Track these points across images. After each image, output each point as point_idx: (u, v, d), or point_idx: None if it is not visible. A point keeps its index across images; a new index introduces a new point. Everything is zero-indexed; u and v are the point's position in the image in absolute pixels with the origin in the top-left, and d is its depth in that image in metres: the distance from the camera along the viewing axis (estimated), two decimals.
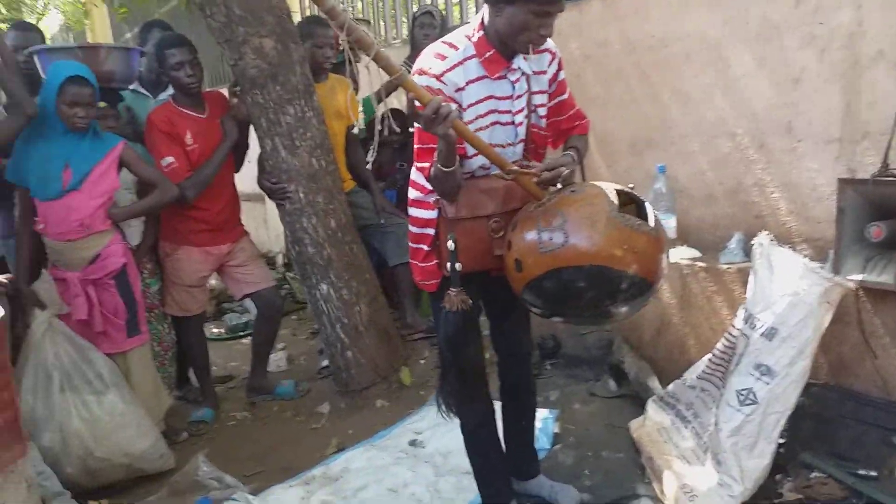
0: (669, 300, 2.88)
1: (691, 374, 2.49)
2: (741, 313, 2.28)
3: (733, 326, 2.33)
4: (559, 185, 1.80)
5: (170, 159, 3.02)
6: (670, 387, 2.57)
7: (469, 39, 1.83)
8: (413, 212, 2.01)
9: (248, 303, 5.15)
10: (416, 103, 1.67)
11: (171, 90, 3.36)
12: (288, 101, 3.18)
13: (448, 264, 1.85)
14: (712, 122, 2.77)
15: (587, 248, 1.65)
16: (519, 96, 1.89)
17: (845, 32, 2.29)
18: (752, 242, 2.35)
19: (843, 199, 2.14)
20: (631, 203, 1.83)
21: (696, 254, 2.80)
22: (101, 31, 9.51)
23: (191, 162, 3.08)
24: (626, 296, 1.68)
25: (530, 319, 2.21)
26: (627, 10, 3.02)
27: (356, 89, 4.02)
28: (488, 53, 1.82)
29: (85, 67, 2.72)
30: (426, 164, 1.83)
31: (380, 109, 1.82)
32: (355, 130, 3.60)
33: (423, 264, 2.02)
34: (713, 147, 2.77)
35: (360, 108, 3.85)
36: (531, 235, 1.72)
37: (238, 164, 3.39)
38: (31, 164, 2.72)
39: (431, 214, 1.94)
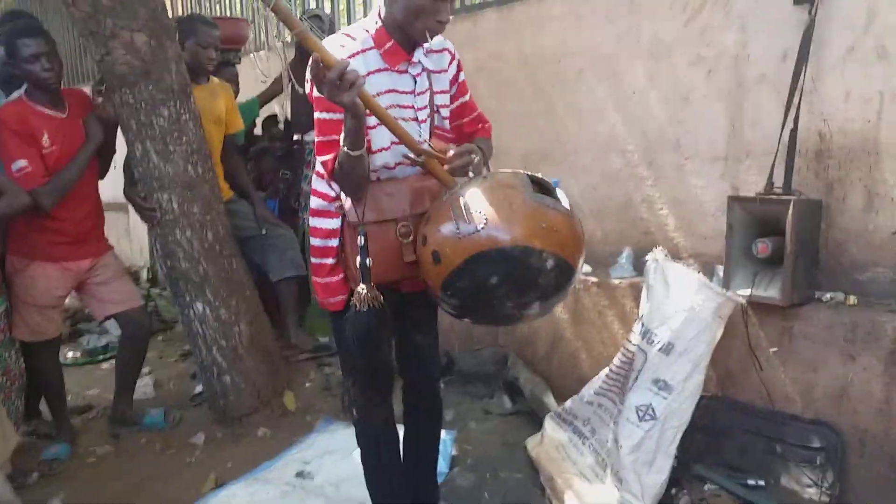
0: (562, 315, 2.88)
1: (588, 390, 2.47)
2: (637, 328, 2.29)
3: (629, 342, 2.34)
4: (470, 174, 1.73)
5: (22, 163, 2.66)
6: (567, 403, 2.54)
7: (367, 32, 1.76)
8: (315, 222, 1.87)
9: (110, 322, 4.77)
10: (313, 72, 1.51)
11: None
12: (162, 102, 2.91)
13: (358, 259, 1.72)
14: (605, 138, 2.80)
15: (507, 229, 1.57)
16: (421, 93, 1.83)
17: (731, 55, 2.38)
18: (646, 258, 2.37)
19: (732, 216, 2.20)
20: (541, 190, 1.78)
21: (588, 269, 2.81)
22: None
23: (47, 166, 2.73)
24: (548, 281, 1.60)
25: (438, 340, 2.10)
26: (523, 23, 3.02)
27: (236, 92, 3.84)
28: (388, 45, 1.75)
29: None
30: (328, 157, 1.70)
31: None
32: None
33: (328, 279, 1.87)
34: (605, 162, 2.80)
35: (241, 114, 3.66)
36: (448, 224, 1.62)
37: (103, 170, 3.06)
38: None
39: (335, 224, 1.82)
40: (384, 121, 1.65)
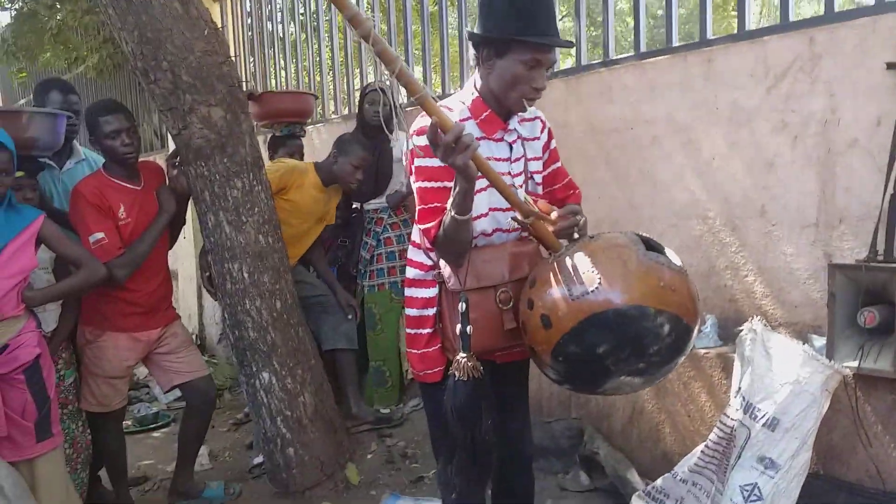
0: None
1: (682, 467, 2.35)
2: (737, 402, 2.19)
3: (727, 416, 2.23)
4: (576, 235, 1.70)
5: (99, 235, 2.67)
6: (658, 481, 2.42)
7: (463, 104, 1.79)
8: (411, 292, 1.85)
9: (157, 389, 4.73)
10: (430, 136, 1.52)
11: (77, 158, 3.09)
12: (236, 174, 2.94)
13: (458, 327, 1.68)
14: (683, 205, 2.75)
15: (623, 289, 1.52)
16: (517, 160, 1.85)
17: (818, 120, 2.35)
18: (739, 329, 2.29)
19: (834, 284, 2.12)
20: (651, 249, 1.73)
21: None
22: None
23: (122, 238, 2.74)
24: (666, 344, 1.53)
25: (530, 415, 2.02)
26: (591, 93, 3.03)
27: (301, 156, 3.92)
28: (485, 114, 1.78)
29: (1, 130, 2.39)
30: (430, 225, 1.69)
31: None
32: None
33: (424, 350, 1.83)
34: (684, 229, 2.75)
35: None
36: (557, 287, 1.57)
37: (172, 240, 3.08)
38: None
39: (432, 292, 1.80)
40: (495, 183, 1.64)
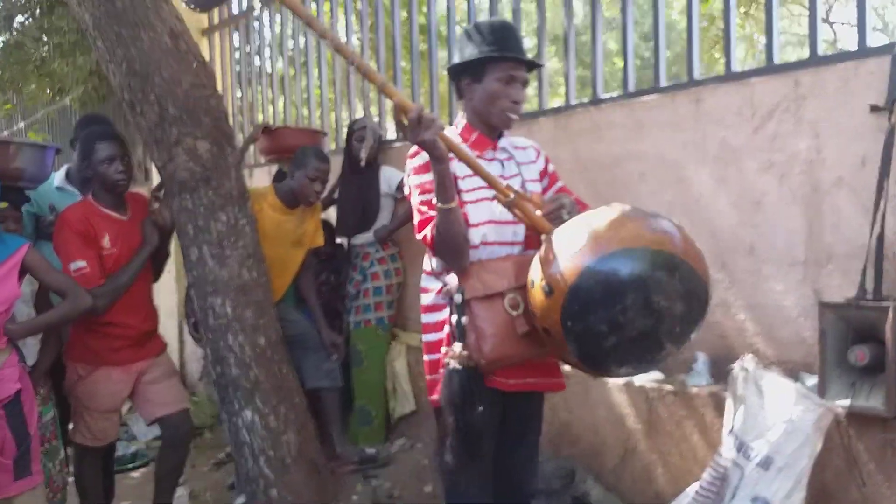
0: (634, 425, 2.75)
1: None
2: (730, 441, 2.17)
3: (720, 455, 2.20)
4: (565, 217, 1.79)
5: (80, 263, 2.62)
6: None
7: (455, 129, 1.95)
8: (426, 318, 1.92)
9: (137, 428, 4.61)
10: (396, 118, 1.71)
11: None
12: (220, 208, 2.92)
13: (454, 317, 1.76)
14: None
15: (616, 236, 1.58)
16: (511, 177, 1.94)
17: (804, 159, 2.38)
18: (731, 367, 2.28)
19: (825, 322, 2.12)
20: None
21: (660, 376, 2.70)
22: None
23: (104, 268, 2.70)
24: (674, 287, 1.55)
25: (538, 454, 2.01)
26: (580, 130, 3.06)
27: None
28: (473, 136, 1.92)
29: None
30: (426, 231, 1.80)
31: None
32: None
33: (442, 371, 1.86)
34: None
35: None
36: (553, 257, 1.64)
37: (157, 273, 3.03)
38: None
39: (445, 314, 1.86)
40: (467, 162, 1.74)
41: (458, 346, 1.75)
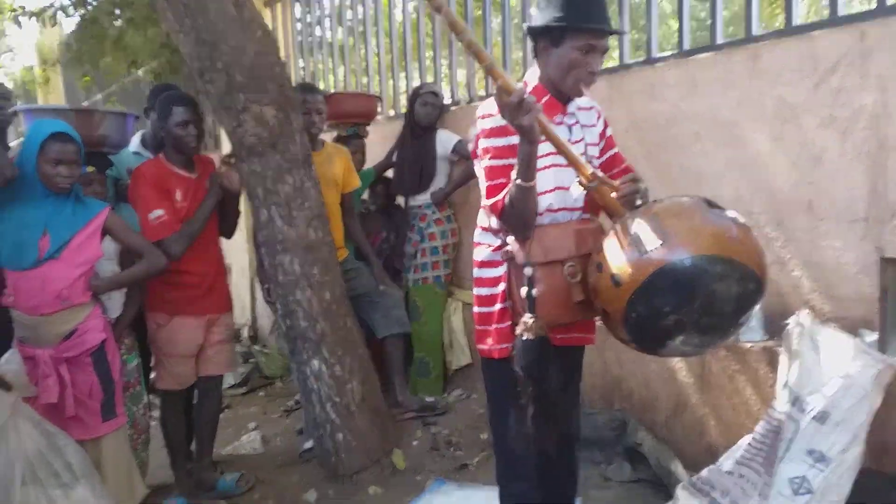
0: (686, 379, 2.79)
1: (728, 460, 2.36)
2: (785, 395, 2.19)
3: (774, 409, 2.23)
4: (638, 202, 1.78)
5: (159, 212, 2.84)
6: (703, 472, 2.43)
7: (525, 87, 1.87)
8: (480, 273, 1.96)
9: None
10: (498, 99, 1.66)
11: None
12: (287, 171, 3.06)
13: (524, 290, 1.78)
14: (726, 200, 2.65)
15: (692, 241, 1.59)
16: (576, 142, 1.95)
17: (869, 114, 2.33)
18: (786, 322, 2.29)
19: (887, 278, 2.11)
20: None
21: None
22: (54, 97, 9.25)
23: (178, 220, 2.90)
24: (738, 293, 1.58)
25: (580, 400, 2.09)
26: (633, 90, 3.05)
27: (362, 162, 4.03)
28: (545, 98, 1.89)
29: (66, 124, 2.54)
30: (497, 198, 1.80)
31: None
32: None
33: (498, 325, 1.92)
34: None
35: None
36: (624, 247, 1.65)
37: (230, 230, 3.22)
38: (4, 230, 2.48)
39: (501, 271, 1.90)
40: (559, 146, 1.74)
41: (528, 318, 1.76)
